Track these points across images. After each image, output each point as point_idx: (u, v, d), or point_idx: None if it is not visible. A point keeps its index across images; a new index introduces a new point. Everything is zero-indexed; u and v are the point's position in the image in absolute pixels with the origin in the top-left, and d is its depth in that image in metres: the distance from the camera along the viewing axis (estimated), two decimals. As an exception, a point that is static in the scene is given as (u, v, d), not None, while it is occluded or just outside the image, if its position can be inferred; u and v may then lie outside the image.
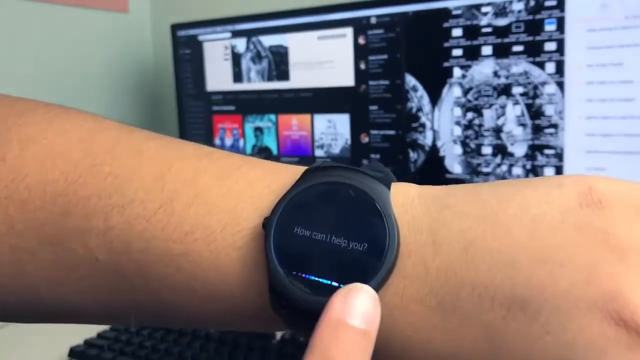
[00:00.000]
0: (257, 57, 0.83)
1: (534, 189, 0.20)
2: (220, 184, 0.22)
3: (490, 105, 0.65)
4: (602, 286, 0.17)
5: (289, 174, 0.23)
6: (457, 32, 0.66)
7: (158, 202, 0.22)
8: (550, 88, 0.61)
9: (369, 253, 0.19)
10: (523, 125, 0.63)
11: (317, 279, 0.20)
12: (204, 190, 0.22)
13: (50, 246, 0.23)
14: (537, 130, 0.63)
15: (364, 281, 0.19)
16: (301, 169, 0.23)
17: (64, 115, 0.25)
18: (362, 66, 0.74)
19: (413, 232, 0.20)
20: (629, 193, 0.19)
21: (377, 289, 0.19)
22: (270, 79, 0.82)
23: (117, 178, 0.23)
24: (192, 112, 0.92)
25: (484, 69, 0.65)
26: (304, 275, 0.20)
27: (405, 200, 0.21)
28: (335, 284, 0.19)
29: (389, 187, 0.21)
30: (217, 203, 0.22)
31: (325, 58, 0.77)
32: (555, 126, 0.62)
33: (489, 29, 0.64)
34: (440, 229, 0.20)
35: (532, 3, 0.61)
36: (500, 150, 0.65)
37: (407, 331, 0.19)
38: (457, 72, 0.67)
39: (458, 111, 0.67)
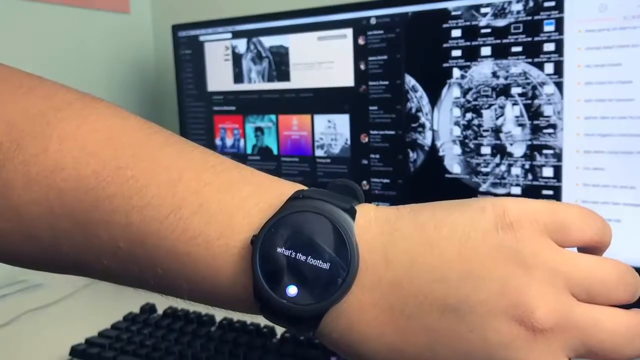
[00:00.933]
0: (258, 58, 0.83)
1: (463, 213, 0.25)
2: (220, 198, 0.27)
3: (490, 106, 0.65)
4: (511, 297, 0.23)
5: (276, 194, 0.27)
6: (456, 32, 0.66)
7: (169, 208, 0.26)
8: (549, 88, 0.62)
9: (335, 270, 0.24)
10: (522, 125, 0.64)
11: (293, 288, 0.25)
12: (206, 201, 0.27)
13: (82, 229, 0.27)
14: (535, 130, 0.63)
15: (333, 291, 0.24)
16: (287, 189, 0.27)
17: (95, 113, 0.29)
18: (362, 67, 0.74)
19: (370, 250, 0.25)
20: (536, 212, 0.24)
21: (341, 296, 0.24)
22: (270, 79, 0.82)
23: (137, 182, 0.27)
24: (193, 112, 0.92)
25: (483, 70, 0.65)
26: (282, 285, 0.25)
27: (365, 222, 0.26)
28: (307, 294, 0.24)
29: (353, 218, 0.26)
30: (215, 215, 0.26)
31: (325, 59, 0.77)
32: (554, 126, 0.62)
33: (488, 30, 0.64)
34: (391, 248, 0.25)
35: (530, 4, 0.62)
36: (499, 150, 0.65)
37: (364, 327, 0.25)
38: (456, 72, 0.67)
39: (457, 111, 0.68)
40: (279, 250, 0.25)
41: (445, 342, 0.23)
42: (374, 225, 0.26)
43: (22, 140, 0.27)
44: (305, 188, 0.28)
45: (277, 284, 0.25)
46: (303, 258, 0.25)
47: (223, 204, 0.27)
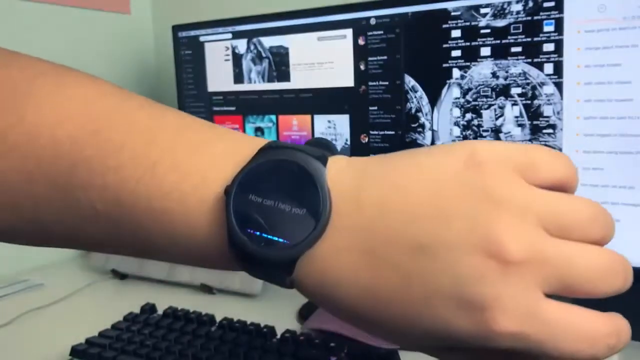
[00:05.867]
0: (258, 58, 0.83)
1: (431, 156, 0.25)
2: (194, 154, 0.28)
3: (489, 106, 0.65)
4: (481, 232, 0.23)
5: (249, 148, 0.28)
6: (456, 33, 0.66)
7: (144, 167, 0.27)
8: (549, 89, 0.62)
9: (308, 215, 0.25)
10: (521, 125, 0.64)
11: (267, 236, 0.25)
12: (181, 159, 0.27)
13: (62, 194, 0.28)
14: (535, 130, 0.63)
15: (306, 236, 0.25)
16: (259, 143, 0.28)
17: (69, 81, 0.30)
18: (362, 67, 0.74)
19: (342, 196, 0.25)
20: (504, 152, 0.24)
21: (314, 241, 0.25)
22: (270, 79, 0.83)
23: (113, 144, 0.28)
24: (193, 113, 0.92)
25: (482, 70, 0.65)
26: (256, 232, 0.25)
27: (337, 171, 0.26)
28: (281, 240, 0.25)
29: (325, 164, 0.26)
30: (189, 171, 0.27)
31: (325, 59, 0.77)
32: (553, 126, 0.62)
33: (487, 30, 0.64)
34: (362, 193, 0.25)
35: (530, 4, 0.62)
36: (499, 150, 0.65)
37: (339, 271, 0.25)
38: (456, 72, 0.67)
39: (457, 112, 0.68)
40: (251, 198, 0.26)
41: (419, 281, 0.23)
42: (345, 173, 0.26)
43: None
44: (280, 142, 0.28)
45: (252, 231, 0.25)
46: (275, 205, 0.25)
47: (197, 160, 0.27)
